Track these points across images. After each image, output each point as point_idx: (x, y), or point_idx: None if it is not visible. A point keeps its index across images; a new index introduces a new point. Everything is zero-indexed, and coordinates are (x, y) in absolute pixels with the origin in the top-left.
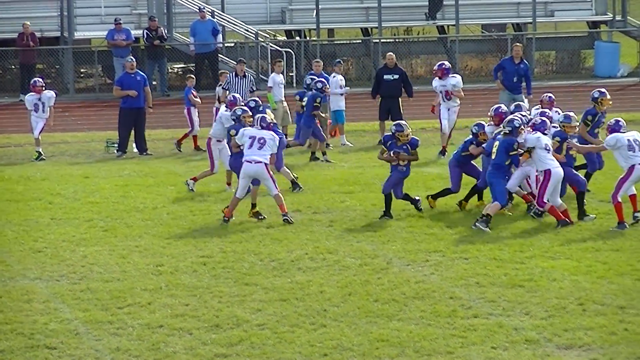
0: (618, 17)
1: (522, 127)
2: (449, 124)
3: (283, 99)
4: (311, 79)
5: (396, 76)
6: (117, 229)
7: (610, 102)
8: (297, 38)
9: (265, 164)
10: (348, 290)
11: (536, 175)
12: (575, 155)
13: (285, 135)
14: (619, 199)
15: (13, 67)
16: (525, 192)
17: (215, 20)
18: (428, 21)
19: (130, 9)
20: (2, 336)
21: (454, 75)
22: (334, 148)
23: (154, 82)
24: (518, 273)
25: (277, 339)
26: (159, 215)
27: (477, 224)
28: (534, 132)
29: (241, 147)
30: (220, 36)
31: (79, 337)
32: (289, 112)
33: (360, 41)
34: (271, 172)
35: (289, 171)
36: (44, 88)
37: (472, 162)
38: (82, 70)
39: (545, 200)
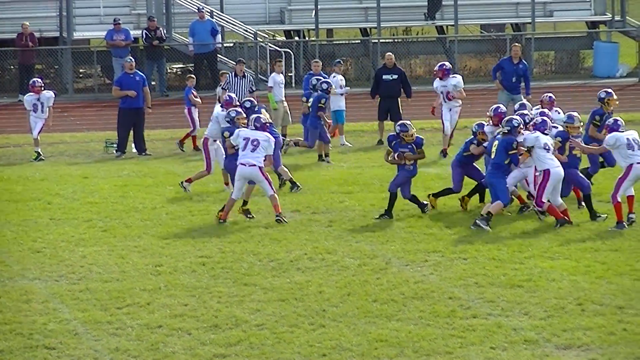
0: (617, 17)
1: (521, 126)
2: (451, 123)
3: (283, 98)
4: (317, 79)
5: (395, 76)
6: (116, 229)
7: (617, 102)
8: (296, 38)
9: (260, 167)
10: (347, 291)
11: (535, 176)
12: (579, 156)
13: (285, 135)
14: (619, 199)
15: (12, 67)
16: (519, 194)
17: (214, 20)
18: (427, 21)
19: (129, 9)
20: (1, 336)
21: (455, 75)
22: (333, 148)
23: (152, 83)
24: (517, 273)
25: (276, 339)
26: (158, 216)
27: (477, 221)
28: (533, 132)
29: (236, 148)
30: (219, 36)
31: (78, 337)
32: (289, 112)
33: (359, 41)
34: (266, 174)
35: (286, 170)
36: (43, 88)
37: (474, 163)
38: (81, 70)
39: (544, 200)
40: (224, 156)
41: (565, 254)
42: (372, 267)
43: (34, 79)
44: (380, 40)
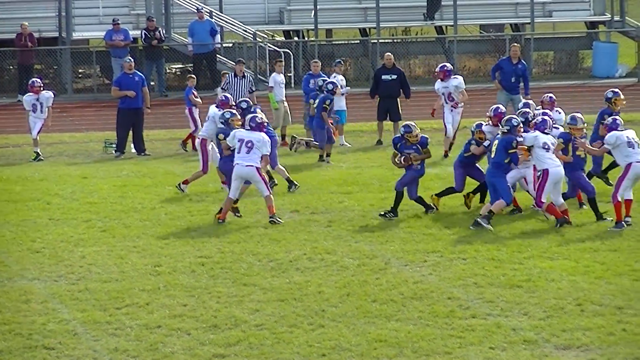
0: (616, 18)
1: (521, 125)
2: (454, 124)
3: (284, 99)
4: (323, 80)
5: (394, 76)
6: (115, 230)
7: (624, 102)
8: (296, 38)
9: (257, 167)
10: (346, 291)
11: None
12: (584, 157)
13: (284, 135)
14: (619, 199)
15: (11, 67)
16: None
17: (213, 20)
18: (426, 21)
19: (129, 10)
20: (1, 336)
21: (456, 76)
22: (333, 148)
23: (152, 83)
24: (516, 273)
25: (275, 340)
26: (157, 216)
27: (478, 220)
28: (533, 131)
29: (232, 149)
30: (218, 36)
31: (77, 337)
32: (289, 112)
33: (359, 41)
34: (263, 174)
35: (283, 169)
36: (42, 88)
37: (476, 164)
38: (80, 70)
39: (543, 200)
40: (219, 157)
41: (564, 254)
42: (371, 267)
43: (33, 79)
44: (380, 41)
